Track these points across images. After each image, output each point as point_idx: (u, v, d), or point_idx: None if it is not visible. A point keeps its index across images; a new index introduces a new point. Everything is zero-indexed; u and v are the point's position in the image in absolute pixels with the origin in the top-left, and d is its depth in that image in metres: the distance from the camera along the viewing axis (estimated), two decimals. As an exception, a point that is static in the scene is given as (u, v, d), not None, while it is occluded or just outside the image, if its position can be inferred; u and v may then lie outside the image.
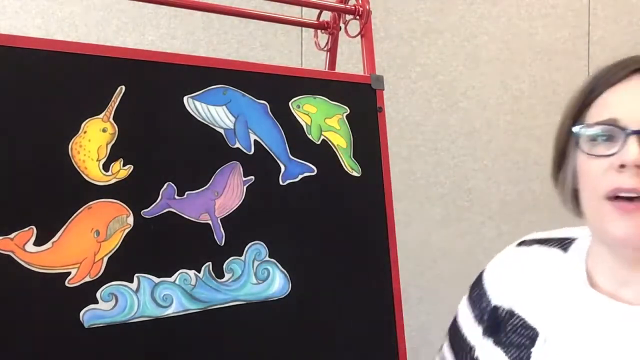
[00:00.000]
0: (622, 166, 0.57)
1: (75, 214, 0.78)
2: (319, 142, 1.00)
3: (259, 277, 0.91)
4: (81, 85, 0.80)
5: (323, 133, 1.00)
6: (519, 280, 0.75)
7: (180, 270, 0.85)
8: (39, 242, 0.75)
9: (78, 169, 0.78)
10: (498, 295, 0.76)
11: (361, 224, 1.03)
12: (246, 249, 0.91)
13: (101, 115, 0.81)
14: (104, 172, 0.80)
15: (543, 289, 0.71)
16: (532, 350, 0.66)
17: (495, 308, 0.76)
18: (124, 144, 0.82)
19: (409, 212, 1.76)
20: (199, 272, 0.86)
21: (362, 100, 1.06)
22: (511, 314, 0.73)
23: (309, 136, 0.99)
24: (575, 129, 0.64)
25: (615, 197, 0.58)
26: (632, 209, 0.57)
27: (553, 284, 0.70)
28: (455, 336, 0.83)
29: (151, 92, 0.86)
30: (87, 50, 0.81)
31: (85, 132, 0.79)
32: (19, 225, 0.74)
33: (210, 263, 0.87)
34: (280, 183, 0.95)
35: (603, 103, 0.62)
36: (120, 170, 0.81)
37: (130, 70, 0.84)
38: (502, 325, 0.73)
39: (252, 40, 1.66)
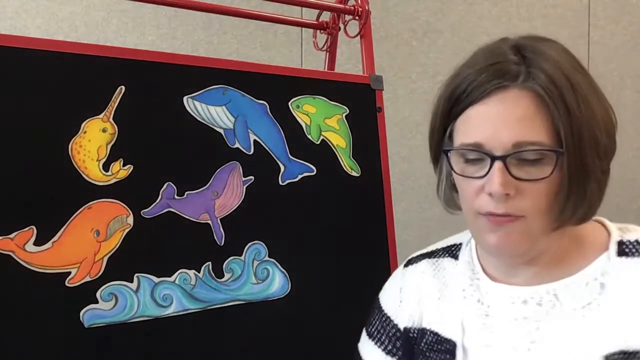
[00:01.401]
0: (492, 194, 0.59)
1: (75, 214, 0.78)
2: (318, 142, 1.00)
3: (258, 277, 0.91)
4: (81, 85, 0.80)
5: (322, 133, 1.00)
6: (419, 297, 0.75)
7: (180, 270, 0.85)
8: (39, 242, 0.75)
9: (78, 169, 0.78)
10: (403, 318, 0.75)
11: (361, 224, 1.03)
12: (246, 248, 0.91)
13: (101, 115, 0.81)
14: (104, 172, 0.80)
15: (445, 298, 0.72)
16: None
17: (406, 330, 0.74)
18: (124, 144, 0.82)
19: (409, 212, 1.76)
20: (199, 271, 0.86)
21: (361, 101, 1.06)
22: (422, 332, 0.72)
23: (309, 136, 0.99)
24: (445, 148, 0.66)
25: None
26: (504, 221, 0.60)
27: (453, 290, 0.72)
28: None
29: (151, 92, 0.86)
30: (87, 50, 0.81)
31: (85, 132, 0.79)
32: (19, 225, 0.74)
33: (210, 263, 0.87)
34: (280, 183, 0.95)
35: (467, 121, 0.62)
36: (120, 170, 0.81)
37: (130, 70, 0.84)
38: (417, 347, 0.72)
39: (252, 40, 1.66)
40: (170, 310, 0.84)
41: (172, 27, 1.59)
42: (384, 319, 0.78)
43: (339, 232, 1.01)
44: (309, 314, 0.96)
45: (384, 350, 0.77)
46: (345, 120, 1.03)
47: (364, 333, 0.80)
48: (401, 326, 0.75)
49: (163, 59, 0.88)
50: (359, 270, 1.02)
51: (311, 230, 0.98)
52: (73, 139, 0.78)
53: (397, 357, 0.76)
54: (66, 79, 0.79)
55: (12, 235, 0.73)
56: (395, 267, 1.05)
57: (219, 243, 0.89)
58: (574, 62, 0.61)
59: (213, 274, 0.87)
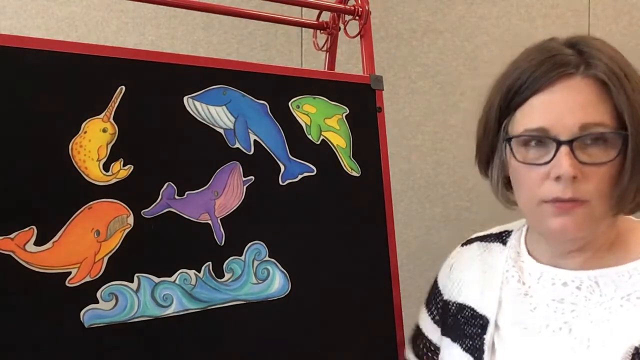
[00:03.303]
0: (559, 178, 0.59)
1: (75, 214, 0.78)
2: (318, 142, 1.00)
3: (258, 277, 0.91)
4: (81, 85, 0.80)
5: (322, 133, 1.00)
6: (464, 274, 0.79)
7: (181, 270, 0.85)
8: (39, 242, 0.75)
9: (78, 169, 0.79)
10: (448, 291, 0.81)
11: (361, 224, 1.03)
12: (246, 248, 0.91)
13: (101, 115, 0.81)
14: (104, 172, 0.80)
15: (487, 279, 0.75)
16: (485, 337, 0.69)
17: (446, 302, 0.80)
18: (124, 144, 0.82)
19: (409, 212, 1.76)
20: (199, 271, 0.86)
21: (361, 101, 1.06)
22: (461, 307, 0.76)
23: (309, 136, 0.99)
24: (506, 135, 0.66)
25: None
26: (569, 207, 0.61)
27: (496, 273, 0.74)
28: (419, 340, 0.87)
29: (151, 92, 0.86)
30: (87, 50, 0.81)
31: (85, 132, 0.79)
32: (20, 225, 0.74)
33: (210, 263, 0.87)
34: (280, 183, 0.95)
35: (530, 109, 0.63)
36: (121, 170, 0.82)
37: (130, 70, 0.84)
38: (454, 320, 0.76)
39: (252, 40, 1.66)
40: (171, 310, 0.84)
41: (172, 27, 1.59)
42: (435, 291, 0.85)
43: (339, 232, 1.01)
44: (309, 314, 0.96)
45: (432, 319, 0.84)
46: (346, 120, 1.03)
47: (423, 302, 0.88)
48: (444, 297, 0.81)
49: (163, 59, 0.88)
50: (359, 270, 1.02)
51: (311, 230, 0.98)
52: (73, 139, 0.79)
53: (440, 327, 0.81)
54: (66, 79, 0.79)
55: (12, 235, 0.73)
56: (396, 267, 1.05)
57: (219, 243, 0.89)
58: (624, 58, 0.64)
59: (213, 274, 0.88)
